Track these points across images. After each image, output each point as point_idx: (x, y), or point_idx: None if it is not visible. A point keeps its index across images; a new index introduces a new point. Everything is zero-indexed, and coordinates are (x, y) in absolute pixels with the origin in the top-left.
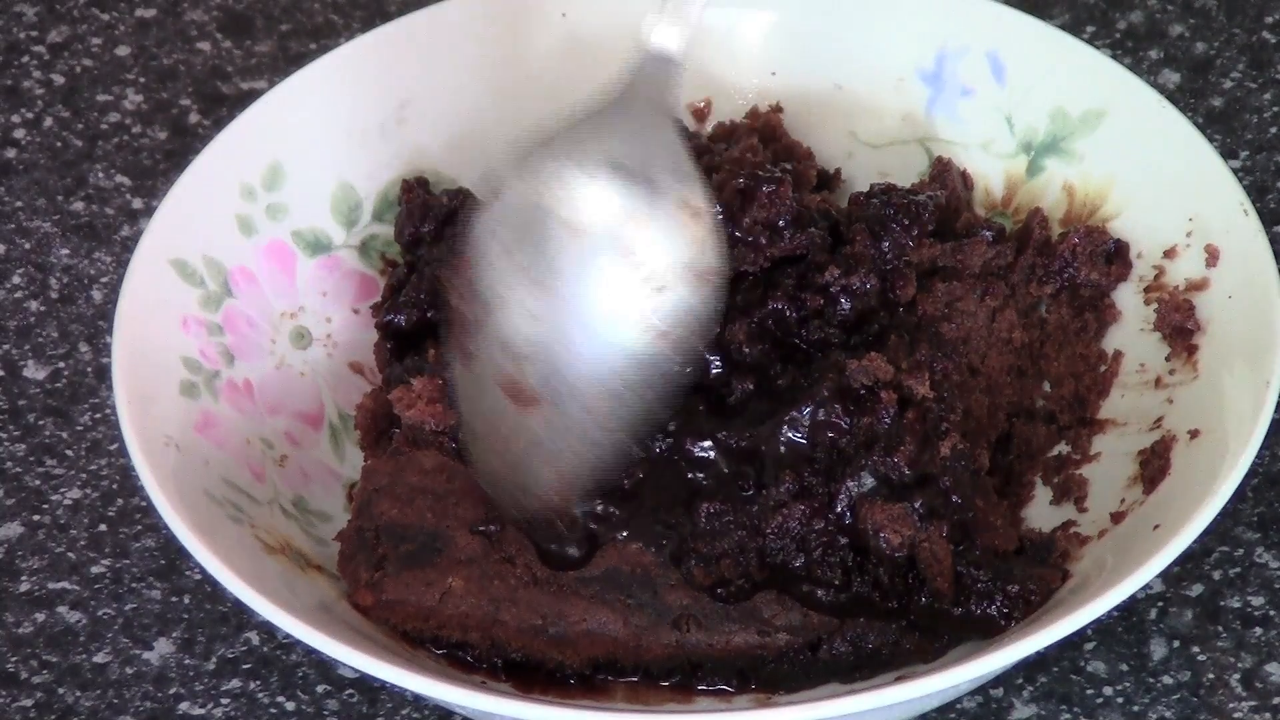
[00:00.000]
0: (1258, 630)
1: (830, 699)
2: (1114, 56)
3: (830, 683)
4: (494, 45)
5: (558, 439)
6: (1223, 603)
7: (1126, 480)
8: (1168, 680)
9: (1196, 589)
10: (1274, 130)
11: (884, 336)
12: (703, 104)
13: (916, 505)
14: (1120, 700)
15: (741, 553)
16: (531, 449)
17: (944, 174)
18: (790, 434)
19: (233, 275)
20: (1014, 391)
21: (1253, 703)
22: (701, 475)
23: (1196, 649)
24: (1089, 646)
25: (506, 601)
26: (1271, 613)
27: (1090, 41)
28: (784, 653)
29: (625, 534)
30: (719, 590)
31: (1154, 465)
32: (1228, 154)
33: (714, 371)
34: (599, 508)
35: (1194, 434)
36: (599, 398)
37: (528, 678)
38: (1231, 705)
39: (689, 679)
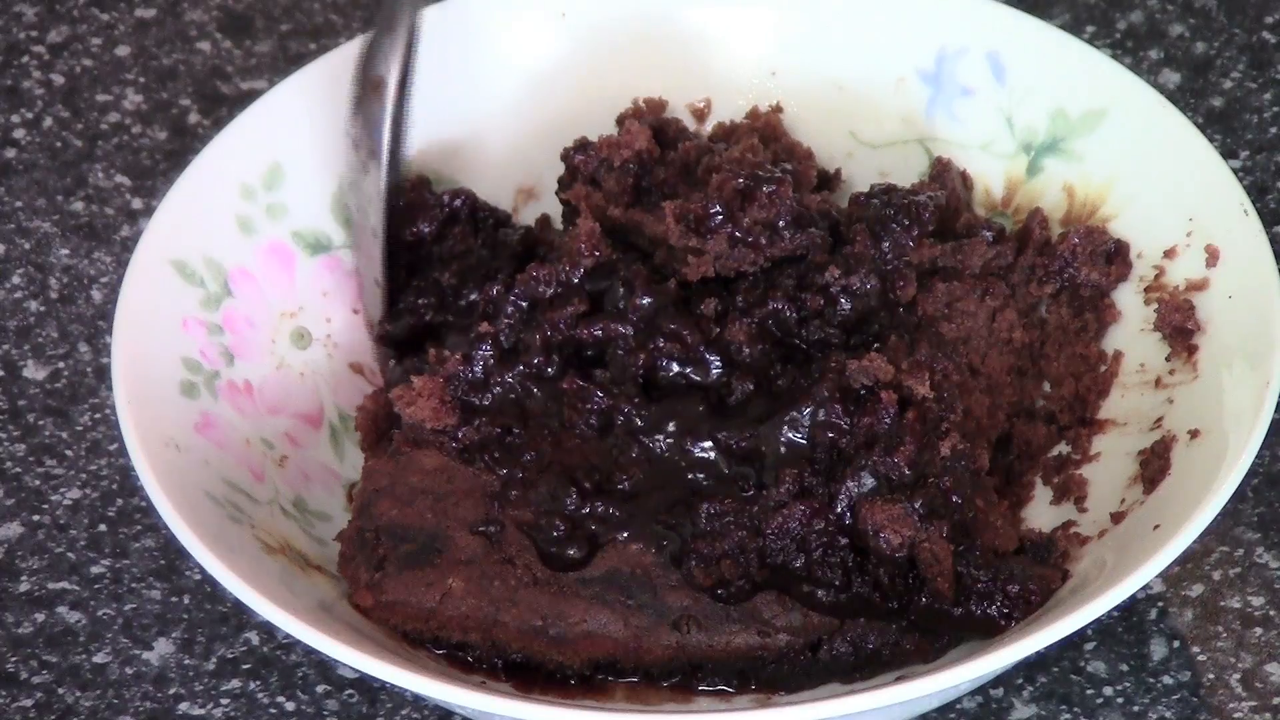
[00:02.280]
0: (1258, 630)
1: (830, 699)
2: (1114, 56)
3: (830, 683)
4: (493, 46)
5: None
6: (1223, 603)
7: (1127, 480)
8: (1168, 680)
9: (1196, 589)
10: (1274, 130)
11: (884, 337)
12: (702, 104)
13: (916, 505)
14: (1120, 700)
15: (742, 553)
16: None
17: (943, 174)
18: (790, 434)
19: (232, 275)
20: (1014, 392)
21: (1252, 703)
22: (702, 476)
23: (1196, 649)
24: (1089, 646)
25: (506, 602)
26: (1271, 613)
27: (1090, 41)
28: (784, 653)
29: (626, 535)
30: (719, 591)
31: (1154, 465)
32: (1228, 154)
33: (714, 372)
34: (600, 508)
35: (1194, 434)
36: None
37: (528, 679)
38: (1231, 705)
39: (689, 680)
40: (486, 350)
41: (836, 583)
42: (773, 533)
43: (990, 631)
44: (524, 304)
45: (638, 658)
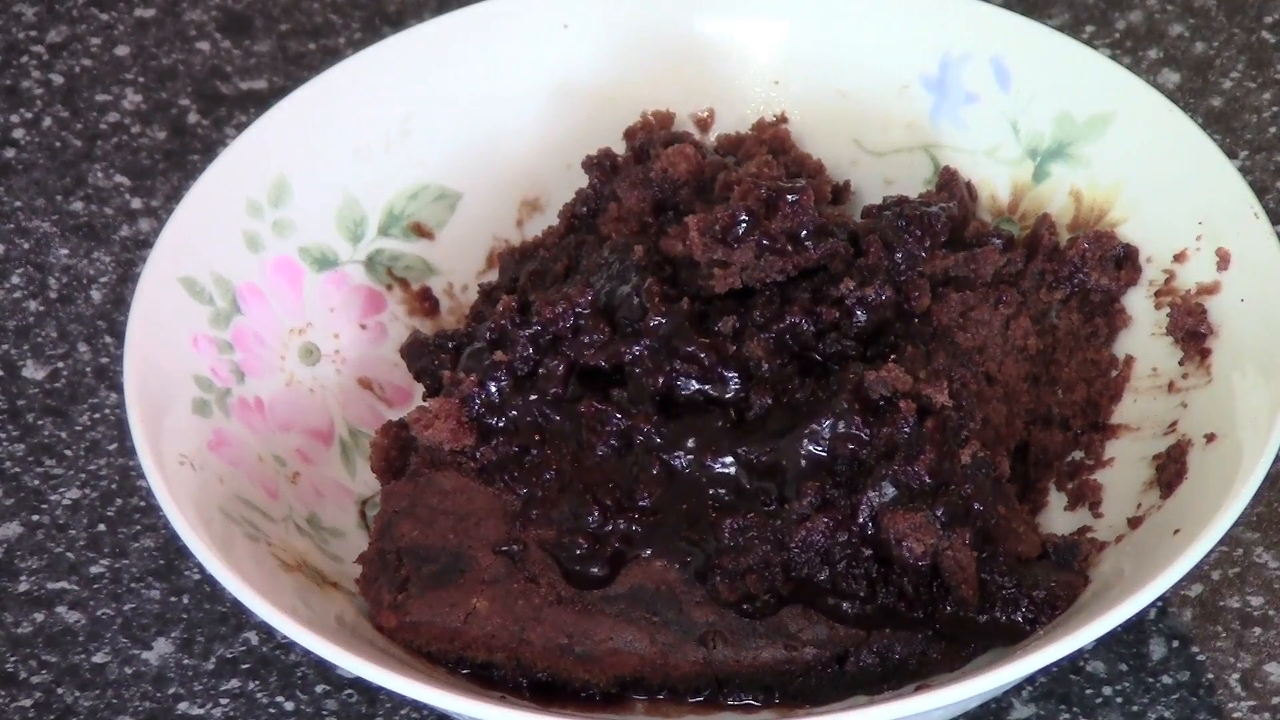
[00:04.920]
0: (1257, 630)
1: (852, 710)
2: (1113, 56)
3: (857, 695)
4: (496, 58)
5: None
6: (1222, 603)
7: (1142, 485)
8: (1167, 680)
9: (1196, 589)
10: (1273, 130)
11: (900, 347)
12: (705, 114)
13: (938, 513)
14: (1120, 700)
15: (766, 567)
16: None
17: (951, 183)
18: (811, 447)
19: (241, 292)
20: (1030, 399)
21: (1251, 703)
22: (723, 491)
23: (1196, 649)
24: (1088, 646)
25: (532, 621)
26: (1271, 613)
27: (1089, 42)
28: (811, 667)
29: (649, 551)
30: (745, 606)
31: (1170, 470)
32: (1227, 154)
33: (733, 388)
34: (622, 525)
35: (1210, 438)
36: None
37: (552, 698)
38: (1231, 705)
39: (716, 695)
40: (501, 377)
41: (861, 594)
42: (796, 546)
43: (1016, 638)
44: (542, 339)
45: (664, 674)
